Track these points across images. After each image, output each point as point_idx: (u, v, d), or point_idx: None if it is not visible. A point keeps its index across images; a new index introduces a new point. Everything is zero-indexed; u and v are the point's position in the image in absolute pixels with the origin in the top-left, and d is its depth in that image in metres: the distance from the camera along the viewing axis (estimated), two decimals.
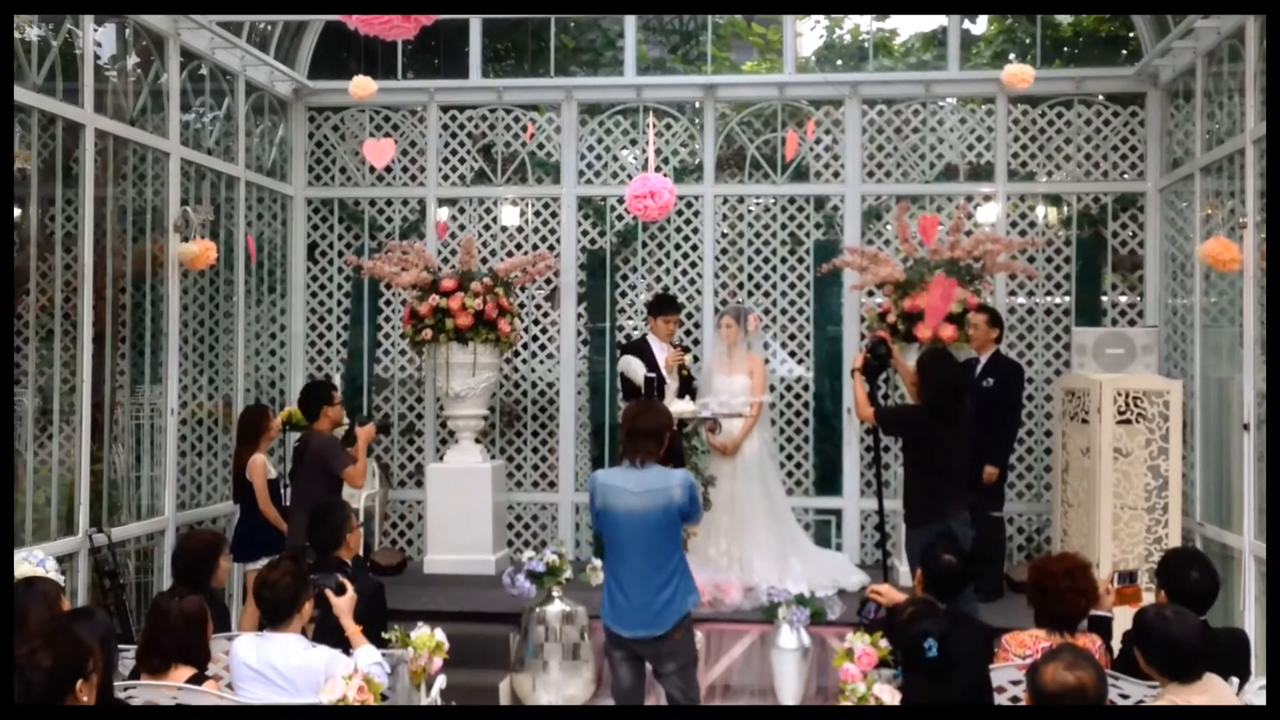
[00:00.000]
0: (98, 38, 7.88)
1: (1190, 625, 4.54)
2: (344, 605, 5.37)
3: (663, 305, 9.23)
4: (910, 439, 7.34)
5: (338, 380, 10.00)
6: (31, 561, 5.86)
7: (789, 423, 10.26)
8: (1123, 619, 5.51)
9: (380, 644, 5.45)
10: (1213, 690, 4.45)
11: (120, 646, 5.23)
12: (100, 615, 4.82)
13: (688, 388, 8.83)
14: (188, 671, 4.75)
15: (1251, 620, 7.17)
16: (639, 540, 5.79)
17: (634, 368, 8.85)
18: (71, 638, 3.90)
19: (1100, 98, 10.08)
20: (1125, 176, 9.98)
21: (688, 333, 10.09)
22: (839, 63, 13.52)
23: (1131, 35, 10.51)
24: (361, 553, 8.21)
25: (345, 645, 5.19)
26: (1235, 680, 4.77)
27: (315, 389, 8.28)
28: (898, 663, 5.10)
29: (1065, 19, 12.15)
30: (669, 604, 5.81)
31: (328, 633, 5.30)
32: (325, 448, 7.70)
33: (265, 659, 4.93)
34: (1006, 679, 4.96)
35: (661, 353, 8.97)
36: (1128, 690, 4.83)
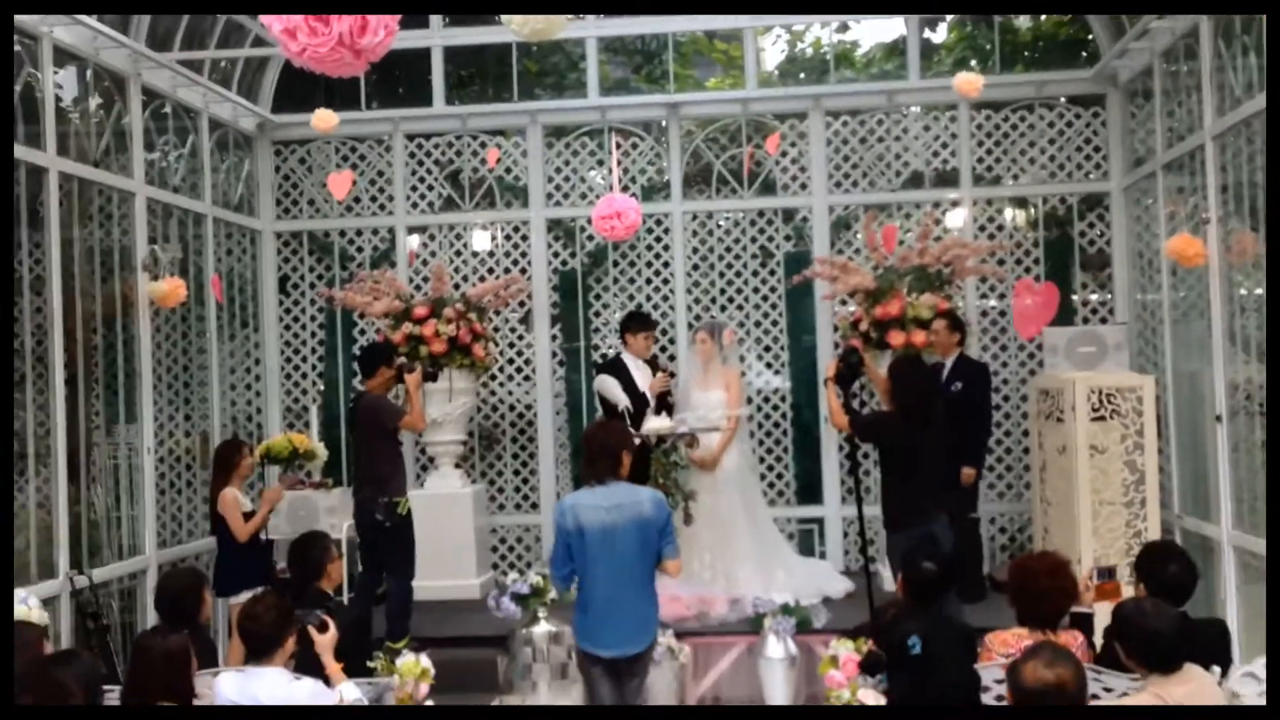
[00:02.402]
0: (58, 80, 7.87)
1: (1168, 617, 4.58)
2: (325, 643, 5.32)
3: (636, 322, 9.24)
4: (886, 445, 7.38)
5: (315, 412, 9.98)
6: (16, 600, 5.82)
7: (768, 434, 10.29)
8: (1103, 614, 5.54)
9: (365, 673, 5.44)
10: (1195, 680, 4.48)
11: (106, 688, 5.21)
12: (84, 658, 4.77)
13: (663, 404, 8.85)
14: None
15: (1233, 610, 7.22)
16: (613, 556, 5.74)
17: (610, 388, 8.86)
18: (51, 681, 3.89)
19: (1062, 100, 10.18)
20: (1090, 177, 10.07)
21: (663, 349, 10.11)
22: (801, 76, 13.64)
23: (1090, 38, 10.61)
24: (346, 583, 8.23)
25: (327, 680, 5.18)
26: (1217, 669, 4.80)
27: (377, 349, 8.60)
28: (883, 665, 5.12)
29: (1025, 24, 12.25)
30: (647, 621, 5.85)
31: (309, 666, 5.27)
32: (373, 405, 8.12)
33: (249, 693, 4.90)
34: (991, 678, 4.99)
35: (638, 370, 8.98)
36: (1111, 683, 4.86)
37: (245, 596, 7.66)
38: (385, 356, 8.32)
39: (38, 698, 3.78)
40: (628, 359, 9.07)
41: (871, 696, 4.83)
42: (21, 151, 7.23)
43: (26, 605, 5.77)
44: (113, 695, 5.07)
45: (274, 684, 4.93)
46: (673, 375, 9.32)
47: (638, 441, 8.30)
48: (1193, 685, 4.45)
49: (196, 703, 5.01)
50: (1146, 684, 4.48)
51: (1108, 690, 4.84)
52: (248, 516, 7.94)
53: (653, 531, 5.76)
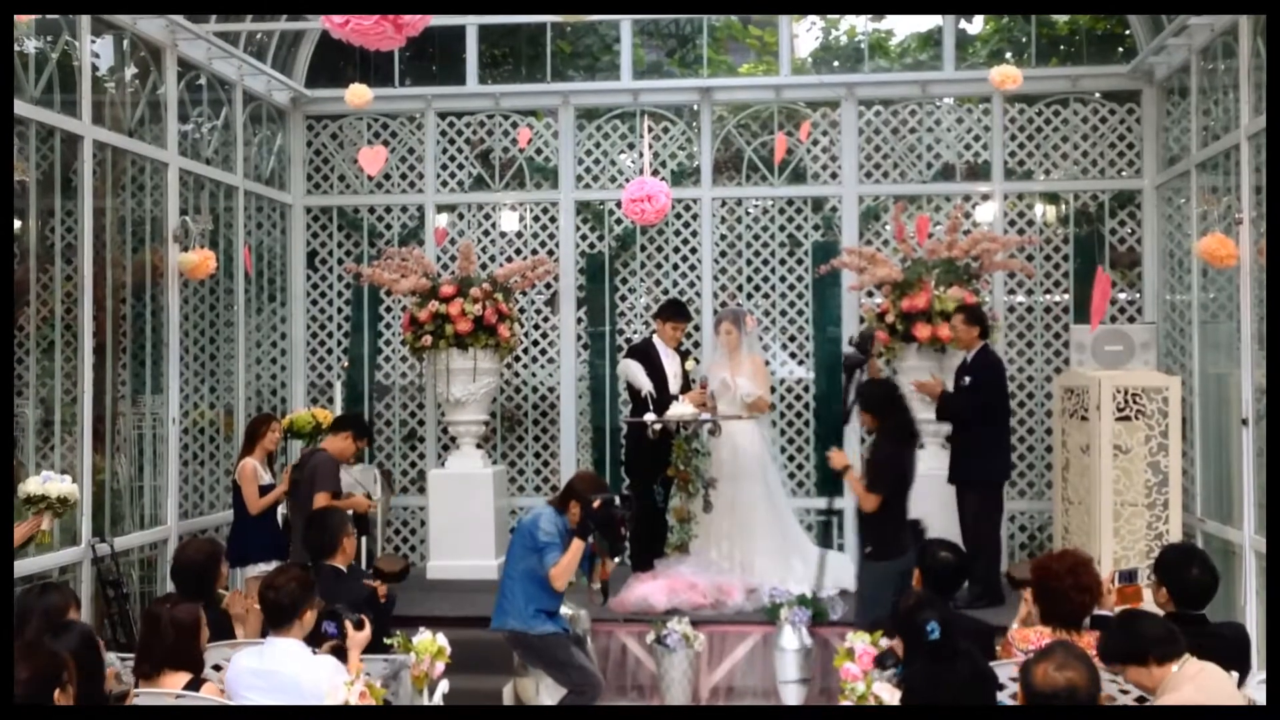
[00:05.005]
0: (95, 49, 7.91)
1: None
2: (359, 640, 5.29)
3: (673, 311, 9.18)
4: (902, 477, 7.43)
5: (339, 388, 10.02)
6: (39, 479, 5.85)
7: (790, 424, 10.28)
8: None
9: (382, 649, 5.46)
10: (1206, 677, 4.43)
11: (123, 655, 5.26)
12: (78, 625, 4.80)
13: (687, 387, 8.84)
14: (182, 677, 4.74)
15: (1253, 615, 7.18)
16: (509, 551, 6.82)
17: (634, 372, 8.84)
18: (45, 652, 3.95)
19: (1096, 95, 10.10)
20: (1122, 174, 10.00)
21: (687, 335, 10.06)
22: (835, 64, 13.51)
23: (1127, 33, 10.53)
24: (364, 560, 8.26)
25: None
26: (1235, 674, 4.77)
27: (353, 420, 8.52)
28: (896, 660, 5.11)
29: (1061, 17, 12.14)
30: (498, 603, 6.74)
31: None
32: (320, 465, 7.87)
33: (267, 665, 4.93)
34: (1007, 675, 4.96)
35: (667, 357, 8.96)
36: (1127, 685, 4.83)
37: (255, 568, 7.78)
38: (356, 428, 8.26)
39: (32, 668, 3.82)
40: (658, 344, 9.05)
41: (886, 691, 4.82)
42: (56, 119, 7.28)
43: (53, 480, 5.79)
44: (129, 661, 5.12)
45: (293, 655, 4.94)
46: (697, 361, 9.31)
47: (659, 427, 8.31)
48: (1204, 682, 4.40)
49: (215, 673, 5.05)
50: (1167, 683, 4.44)
51: (1124, 692, 4.81)
52: (265, 490, 7.99)
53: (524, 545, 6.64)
